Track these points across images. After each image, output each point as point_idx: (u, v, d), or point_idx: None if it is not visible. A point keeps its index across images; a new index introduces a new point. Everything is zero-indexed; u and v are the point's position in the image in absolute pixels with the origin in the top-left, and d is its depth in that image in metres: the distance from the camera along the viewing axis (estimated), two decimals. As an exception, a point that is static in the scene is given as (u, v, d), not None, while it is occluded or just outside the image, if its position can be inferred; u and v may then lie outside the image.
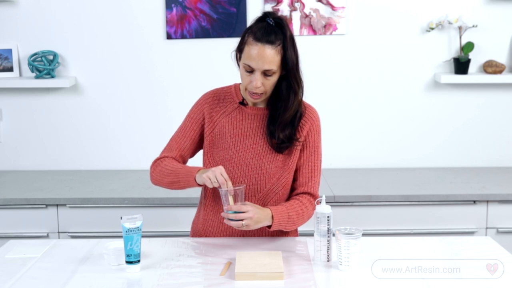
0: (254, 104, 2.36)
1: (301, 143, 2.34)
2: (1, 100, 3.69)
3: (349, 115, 3.74)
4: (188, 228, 2.57)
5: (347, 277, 2.06)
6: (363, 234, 2.11)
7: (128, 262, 2.08)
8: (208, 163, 2.36)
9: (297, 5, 3.59)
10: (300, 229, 2.46)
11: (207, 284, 2.00)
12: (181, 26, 3.61)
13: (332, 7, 3.60)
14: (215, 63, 3.64)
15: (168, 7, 3.60)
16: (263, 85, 2.24)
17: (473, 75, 3.62)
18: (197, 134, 2.40)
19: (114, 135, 3.74)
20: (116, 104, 3.71)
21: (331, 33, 3.64)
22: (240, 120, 2.36)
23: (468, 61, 3.58)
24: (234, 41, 2.32)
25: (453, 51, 3.66)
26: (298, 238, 2.42)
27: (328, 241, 2.15)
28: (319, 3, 3.60)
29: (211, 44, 3.65)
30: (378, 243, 2.36)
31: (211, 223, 2.40)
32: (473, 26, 3.58)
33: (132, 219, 2.08)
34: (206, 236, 2.42)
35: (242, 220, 2.15)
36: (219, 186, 2.19)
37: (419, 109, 3.73)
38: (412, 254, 2.24)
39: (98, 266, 2.14)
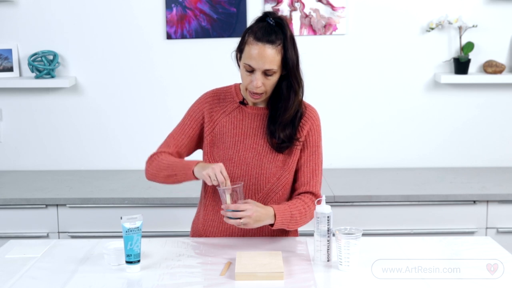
0: (254, 103, 2.36)
1: (301, 143, 2.34)
2: (1, 100, 3.69)
3: (349, 115, 3.74)
4: (188, 228, 2.57)
5: (347, 277, 2.06)
6: (363, 234, 2.10)
7: (128, 262, 2.08)
8: (208, 162, 2.36)
9: (297, 5, 3.59)
10: (300, 229, 2.46)
11: (207, 284, 2.00)
12: (181, 26, 3.61)
13: (332, 7, 3.60)
14: (215, 63, 3.64)
15: (168, 7, 3.60)
16: (263, 85, 2.24)
17: (473, 75, 3.61)
18: (195, 132, 2.39)
19: (114, 135, 3.74)
20: (116, 104, 3.71)
21: (331, 33, 3.64)
22: (240, 119, 2.36)
23: (468, 61, 3.58)
24: (234, 41, 2.32)
25: (453, 51, 3.66)
26: (298, 238, 2.42)
27: (328, 241, 2.15)
28: (319, 3, 3.60)
29: (211, 44, 3.65)
30: (378, 243, 2.35)
31: (211, 223, 2.40)
32: (473, 26, 3.58)
33: (132, 219, 2.08)
34: (206, 236, 2.42)
35: (240, 218, 2.16)
36: (218, 185, 2.19)
37: (419, 109, 3.73)
38: (412, 254, 2.24)
39: (98, 266, 2.14)
